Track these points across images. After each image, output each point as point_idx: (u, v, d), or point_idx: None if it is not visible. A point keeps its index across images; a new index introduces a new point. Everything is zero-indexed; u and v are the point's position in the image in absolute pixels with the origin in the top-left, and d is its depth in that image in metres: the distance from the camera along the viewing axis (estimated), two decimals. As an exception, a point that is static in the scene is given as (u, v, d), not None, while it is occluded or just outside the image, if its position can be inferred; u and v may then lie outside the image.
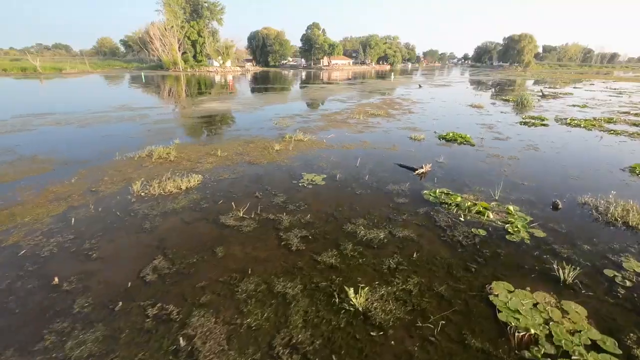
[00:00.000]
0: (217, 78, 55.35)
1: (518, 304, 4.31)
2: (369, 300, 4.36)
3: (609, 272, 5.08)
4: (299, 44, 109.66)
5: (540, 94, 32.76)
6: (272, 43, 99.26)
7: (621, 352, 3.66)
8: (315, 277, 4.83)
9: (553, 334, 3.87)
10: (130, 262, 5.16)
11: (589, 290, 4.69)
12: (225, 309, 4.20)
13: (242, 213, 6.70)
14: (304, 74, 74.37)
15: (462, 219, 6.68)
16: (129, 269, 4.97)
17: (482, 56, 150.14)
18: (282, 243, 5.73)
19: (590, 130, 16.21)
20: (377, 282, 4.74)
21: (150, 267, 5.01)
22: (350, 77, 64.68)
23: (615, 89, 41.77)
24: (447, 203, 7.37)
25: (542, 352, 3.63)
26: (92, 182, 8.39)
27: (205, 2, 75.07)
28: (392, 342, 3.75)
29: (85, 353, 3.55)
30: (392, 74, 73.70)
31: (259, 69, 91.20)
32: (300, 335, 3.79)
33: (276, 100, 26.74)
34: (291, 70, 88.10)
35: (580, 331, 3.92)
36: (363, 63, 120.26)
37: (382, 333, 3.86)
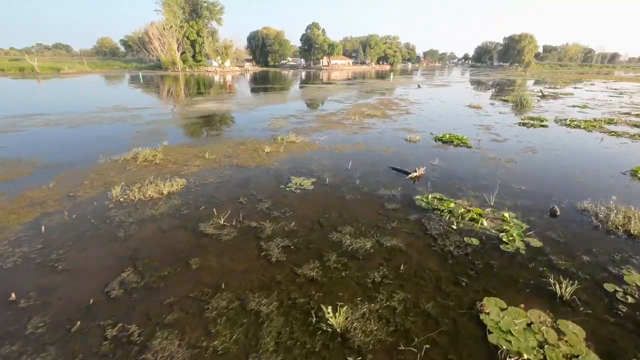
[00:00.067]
0: (216, 78, 55.01)
1: (510, 324, 3.97)
2: (349, 319, 4.02)
3: (609, 287, 4.74)
4: (299, 44, 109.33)
5: (540, 94, 32.37)
6: (271, 43, 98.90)
7: (622, 380, 3.32)
8: (293, 293, 4.50)
9: (548, 359, 3.53)
10: (97, 275, 4.83)
11: (587, 307, 4.35)
12: (192, 329, 3.87)
13: (222, 220, 6.37)
14: (303, 74, 74.03)
15: (454, 227, 6.34)
16: (95, 283, 4.64)
17: (482, 56, 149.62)
18: (262, 254, 5.40)
19: (591, 131, 15.85)
20: (359, 298, 4.41)
21: (117, 280, 4.68)
22: (349, 77, 64.31)
23: (616, 89, 41.37)
24: (439, 209, 7.03)
25: (535, 381, 3.29)
26: (72, 186, 8.07)
27: (204, 2, 74.75)
28: (371, 369, 3.42)
29: (30, 382, 3.22)
30: (392, 74, 73.30)
31: (258, 69, 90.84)
32: (270, 361, 3.46)
33: (273, 101, 26.41)
34: (291, 70, 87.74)
35: (577, 356, 3.58)
36: (363, 63, 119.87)
37: (360, 359, 3.52)
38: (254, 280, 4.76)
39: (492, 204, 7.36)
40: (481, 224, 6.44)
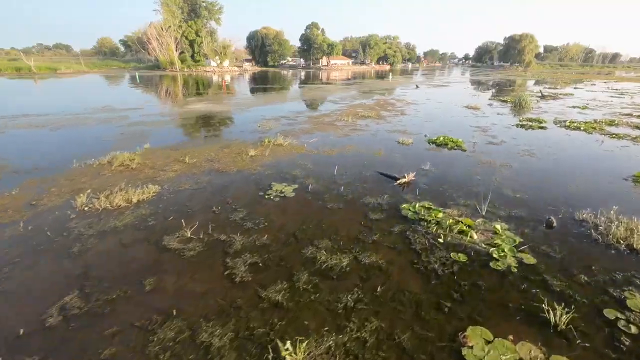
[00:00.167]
0: (215, 78, 54.52)
1: (496, 361, 3.46)
2: (312, 354, 3.52)
3: (609, 313, 4.22)
4: (298, 43, 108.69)
5: (540, 94, 31.80)
6: (271, 43, 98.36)
7: None
8: (253, 321, 3.99)
9: (537, 407, 3.02)
10: (37, 298, 4.34)
11: (585, 339, 3.83)
12: (129, 368, 3.37)
13: (189, 233, 5.87)
14: (302, 74, 73.51)
15: (441, 241, 5.83)
16: (32, 309, 4.14)
17: (482, 56, 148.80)
18: (227, 272, 4.90)
19: (591, 133, 15.31)
20: (326, 328, 3.90)
21: (58, 305, 4.18)
22: (349, 77, 63.77)
23: (616, 89, 40.77)
24: (426, 220, 6.52)
25: None
26: (36, 193, 7.57)
27: (203, 2, 74.34)
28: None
29: None
30: (391, 74, 72.74)
31: (257, 68, 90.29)
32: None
33: (267, 101, 25.91)
34: (290, 70, 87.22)
35: (572, 404, 3.07)
36: (363, 63, 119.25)
37: (316, 407, 3.02)
38: (211, 305, 4.26)
39: (483, 213, 6.85)
40: (470, 237, 5.93)
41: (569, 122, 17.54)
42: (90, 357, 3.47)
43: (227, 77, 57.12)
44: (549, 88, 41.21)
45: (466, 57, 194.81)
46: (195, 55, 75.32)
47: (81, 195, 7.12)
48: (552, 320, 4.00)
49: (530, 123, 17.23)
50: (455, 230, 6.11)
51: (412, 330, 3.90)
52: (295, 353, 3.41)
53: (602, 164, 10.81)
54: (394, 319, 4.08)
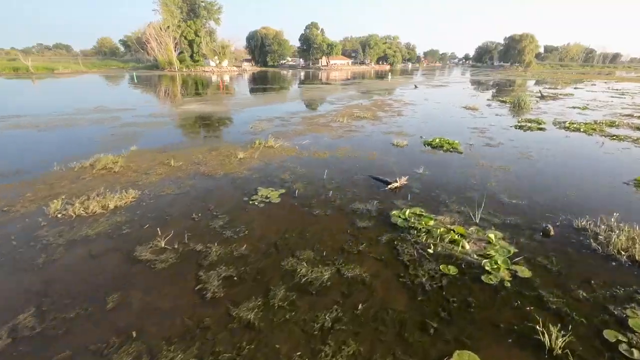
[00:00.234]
0: (214, 78, 54.20)
1: (483, 393, 3.12)
2: (280, 384, 3.18)
3: (610, 335, 3.87)
4: (298, 43, 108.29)
5: (539, 95, 31.43)
6: (270, 43, 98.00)
7: None
8: (219, 344, 3.65)
9: None
10: (-11, 317, 4.00)
11: (582, 366, 3.49)
12: (74, 401, 3.03)
13: (163, 243, 5.53)
14: (302, 74, 73.18)
15: (430, 251, 5.49)
16: (-19, 329, 3.80)
17: (482, 56, 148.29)
18: (198, 287, 4.56)
19: (591, 135, 14.95)
20: (299, 353, 3.56)
21: (9, 325, 3.84)
22: (348, 77, 63.42)
23: (617, 89, 40.37)
24: (416, 228, 6.18)
25: None
26: (10, 199, 7.24)
27: (202, 2, 74.06)
28: None
29: None
30: (390, 74, 72.39)
31: (256, 68, 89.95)
32: None
33: (264, 101, 25.59)
34: (290, 70, 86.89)
35: None
36: (362, 63, 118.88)
37: None
38: (176, 324, 3.92)
39: (477, 221, 6.50)
40: (462, 247, 5.58)
41: (569, 123, 17.18)
42: (34, 388, 3.14)
43: (226, 77, 56.81)
44: (549, 88, 40.83)
45: (466, 57, 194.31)
46: (194, 55, 75.05)
47: (55, 201, 6.79)
48: (547, 343, 3.66)
49: (529, 124, 16.87)
50: (446, 240, 5.77)
51: (392, 356, 3.55)
52: (260, 384, 3.07)
53: (602, 167, 10.46)
54: (374, 341, 3.74)
